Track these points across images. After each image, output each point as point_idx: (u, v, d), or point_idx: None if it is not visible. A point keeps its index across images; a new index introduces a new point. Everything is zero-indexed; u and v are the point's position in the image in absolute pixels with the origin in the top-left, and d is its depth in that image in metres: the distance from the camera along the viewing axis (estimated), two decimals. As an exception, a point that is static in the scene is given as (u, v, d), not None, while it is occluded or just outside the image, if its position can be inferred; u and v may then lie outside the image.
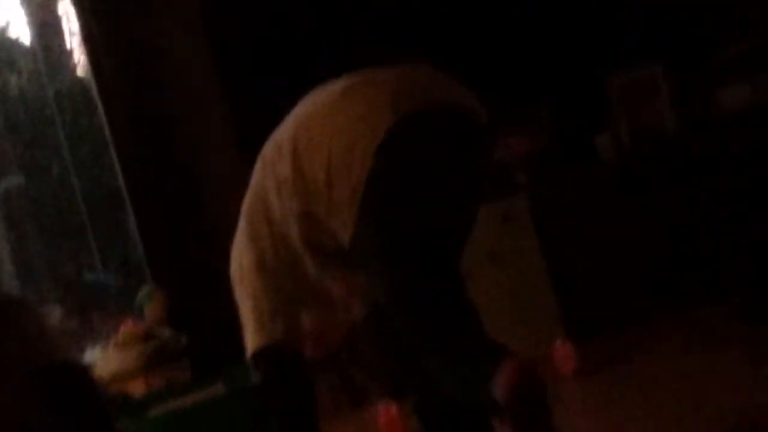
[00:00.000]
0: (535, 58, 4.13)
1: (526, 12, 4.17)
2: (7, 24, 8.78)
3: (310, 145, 2.36)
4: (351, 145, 2.29)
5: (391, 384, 2.87)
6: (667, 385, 2.77)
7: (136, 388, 3.88)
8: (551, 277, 3.75)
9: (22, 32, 8.60)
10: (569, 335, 3.52)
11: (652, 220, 3.96)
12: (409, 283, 2.27)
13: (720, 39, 4.15)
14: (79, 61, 7.56)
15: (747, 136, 3.93)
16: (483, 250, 3.18)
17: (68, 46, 8.07)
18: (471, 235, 2.43)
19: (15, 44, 8.53)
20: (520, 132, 3.92)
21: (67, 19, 7.56)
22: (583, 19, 4.19)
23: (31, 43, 8.38)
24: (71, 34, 7.75)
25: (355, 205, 2.27)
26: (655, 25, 4.15)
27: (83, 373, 2.44)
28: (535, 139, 3.98)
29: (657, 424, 2.77)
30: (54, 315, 4.10)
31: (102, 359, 3.91)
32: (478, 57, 4.00)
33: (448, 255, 2.31)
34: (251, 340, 2.48)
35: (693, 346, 3.46)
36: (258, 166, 2.51)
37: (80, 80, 7.29)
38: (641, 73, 4.22)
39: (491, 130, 2.49)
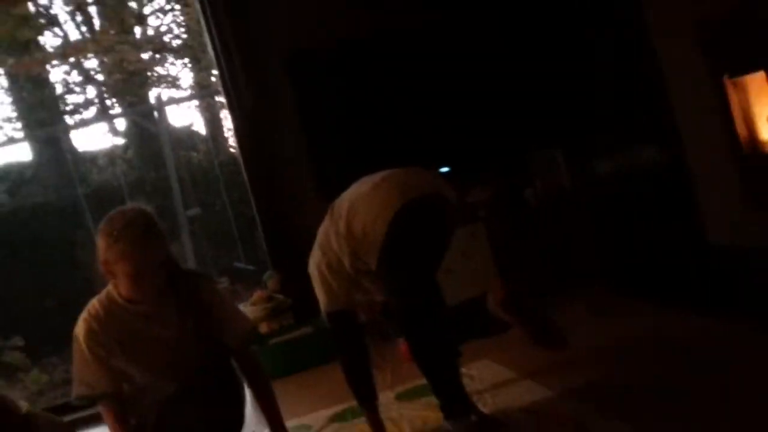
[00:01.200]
0: (488, 151, 4.13)
1: (484, 127, 4.17)
2: (192, 123, 8.84)
3: (356, 215, 2.42)
4: (376, 217, 2.37)
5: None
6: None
7: (263, 329, 3.89)
8: (497, 267, 3.72)
9: (200, 126, 8.68)
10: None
11: (555, 238, 3.96)
12: (404, 295, 2.38)
13: (594, 132, 4.16)
14: (232, 144, 7.63)
15: (611, 188, 3.94)
16: (459, 251, 3.16)
17: (226, 135, 8.14)
18: (443, 259, 2.49)
19: (196, 135, 8.62)
20: (481, 188, 3.92)
21: (226, 118, 7.63)
22: (517, 126, 4.19)
23: (205, 133, 8.45)
24: (228, 128, 7.82)
25: (378, 250, 2.37)
26: (556, 126, 4.16)
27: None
28: (489, 192, 3.97)
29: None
30: (224, 284, 4.04)
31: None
32: (459, 151, 4.03)
33: (427, 278, 2.39)
34: (324, 305, 2.51)
35: (576, 309, 3.47)
36: (328, 214, 2.54)
37: (233, 155, 7.36)
38: (548, 153, 4.21)
39: (459, 205, 2.62)
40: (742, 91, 3.42)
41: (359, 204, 2.43)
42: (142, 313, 2.24)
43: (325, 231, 2.50)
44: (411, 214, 2.37)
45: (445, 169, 3.82)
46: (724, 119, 3.43)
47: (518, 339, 2.85)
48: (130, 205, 2.38)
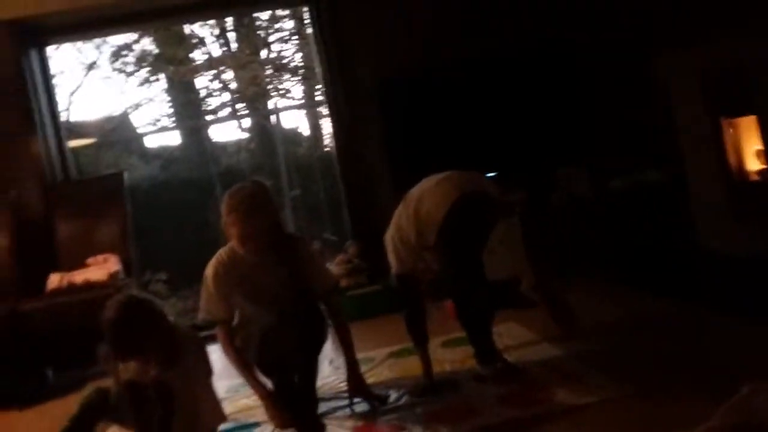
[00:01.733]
0: (527, 163, 4.09)
1: (525, 145, 4.12)
2: (299, 126, 8.91)
3: (423, 203, 2.44)
4: (437, 205, 2.39)
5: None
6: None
7: (342, 284, 3.88)
8: (527, 254, 3.67)
9: (305, 129, 8.78)
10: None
11: (574, 236, 3.90)
12: (454, 267, 2.42)
13: (614, 155, 4.08)
14: (327, 144, 7.69)
15: (623, 200, 3.88)
16: (498, 239, 3.08)
17: (324, 137, 8.21)
18: (486, 241, 2.50)
19: (301, 135, 8.71)
20: (519, 191, 3.87)
21: (325, 125, 7.70)
22: (551, 146, 4.14)
23: (308, 135, 8.54)
24: (326, 132, 7.90)
25: (436, 230, 2.38)
26: (582, 148, 4.09)
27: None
28: (525, 194, 3.90)
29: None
30: (317, 246, 4.07)
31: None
32: (505, 161, 3.99)
33: (473, 254, 2.43)
34: (395, 269, 2.53)
35: (587, 293, 3.42)
36: (402, 202, 2.57)
37: (328, 153, 7.42)
38: (574, 169, 4.14)
39: (500, 202, 2.58)
40: (735, 129, 3.35)
41: (426, 195, 2.47)
42: (253, 263, 2.30)
43: (399, 213, 2.55)
44: (464, 204, 2.39)
45: (491, 174, 3.81)
46: (719, 151, 3.37)
47: (541, 313, 2.83)
48: (249, 180, 2.39)
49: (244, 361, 2.33)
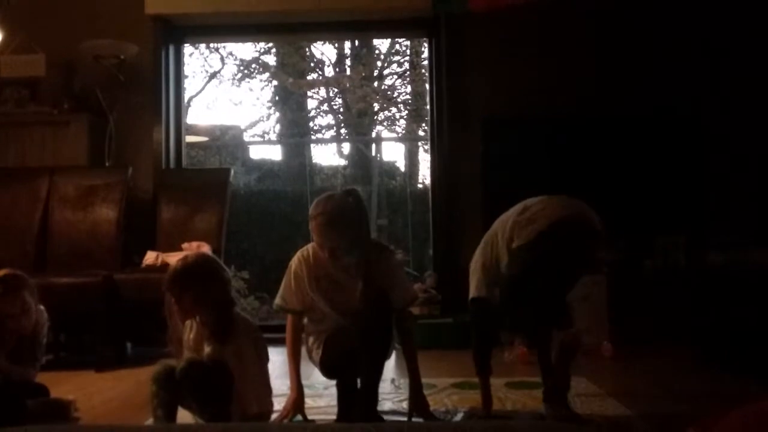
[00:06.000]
0: (626, 224, 3.97)
1: (624, 205, 4.09)
2: (395, 161, 9.14)
3: (518, 225, 2.41)
4: (531, 229, 2.35)
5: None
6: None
7: (415, 311, 3.84)
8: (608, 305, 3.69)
9: (401, 163, 9.00)
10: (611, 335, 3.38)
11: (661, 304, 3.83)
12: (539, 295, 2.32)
13: (717, 229, 4.01)
14: (420, 181, 7.82)
15: (720, 278, 3.77)
16: (581, 295, 3.03)
17: (419, 172, 8.37)
18: (572, 287, 2.40)
19: (397, 168, 8.93)
20: (612, 249, 3.81)
21: (421, 161, 7.86)
22: (652, 212, 4.12)
23: (404, 170, 8.74)
24: (422, 170, 8.05)
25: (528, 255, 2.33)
26: (684, 219, 4.02)
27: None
28: (618, 254, 3.84)
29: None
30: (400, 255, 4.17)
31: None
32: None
33: (557, 294, 2.35)
34: (472, 292, 2.53)
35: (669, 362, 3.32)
36: (496, 222, 2.55)
37: (419, 190, 7.56)
38: (673, 238, 4.09)
39: (603, 233, 2.39)
40: None
41: (522, 218, 2.41)
42: (334, 265, 2.40)
43: (489, 236, 2.54)
44: (557, 234, 2.30)
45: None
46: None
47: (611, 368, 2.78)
48: (343, 190, 2.48)
49: (295, 353, 2.42)
